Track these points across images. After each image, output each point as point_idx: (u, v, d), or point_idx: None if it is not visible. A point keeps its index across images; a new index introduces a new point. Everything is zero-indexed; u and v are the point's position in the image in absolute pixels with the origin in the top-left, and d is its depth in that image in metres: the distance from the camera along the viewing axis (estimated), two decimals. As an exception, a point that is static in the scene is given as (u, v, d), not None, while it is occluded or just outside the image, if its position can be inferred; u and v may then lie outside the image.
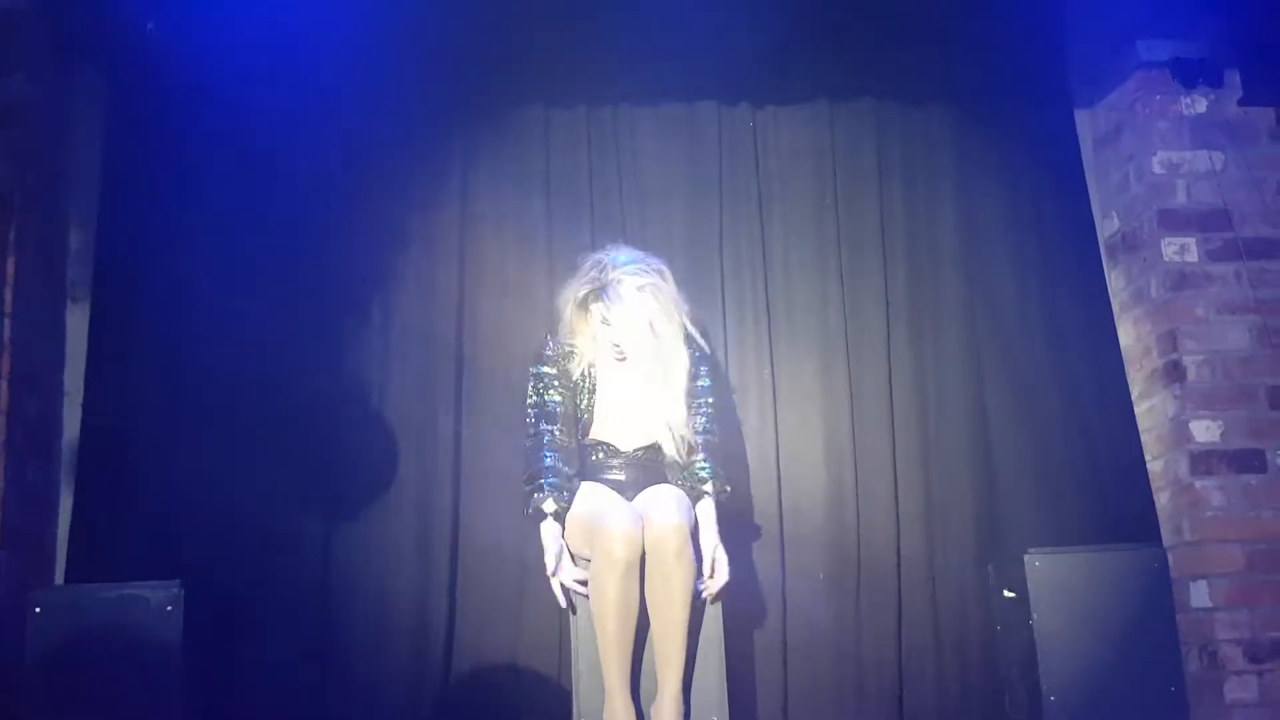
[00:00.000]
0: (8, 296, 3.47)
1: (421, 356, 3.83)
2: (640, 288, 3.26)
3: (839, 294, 3.97)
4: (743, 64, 3.97)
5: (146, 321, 3.72)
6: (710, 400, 3.35)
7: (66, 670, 3.15)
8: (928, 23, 3.97)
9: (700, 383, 3.36)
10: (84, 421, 3.67)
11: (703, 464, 3.26)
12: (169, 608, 3.20)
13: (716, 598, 3.14)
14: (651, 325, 3.28)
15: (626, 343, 3.28)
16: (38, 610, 3.19)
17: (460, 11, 3.75)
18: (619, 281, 3.25)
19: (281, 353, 3.73)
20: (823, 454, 3.85)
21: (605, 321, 3.28)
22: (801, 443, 3.86)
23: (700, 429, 3.30)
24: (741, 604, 3.57)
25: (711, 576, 3.13)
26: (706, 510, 3.21)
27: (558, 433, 3.28)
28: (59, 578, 3.58)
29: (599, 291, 3.26)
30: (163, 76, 3.78)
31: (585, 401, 3.36)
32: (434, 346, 3.83)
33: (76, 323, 3.78)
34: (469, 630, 3.65)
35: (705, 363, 3.42)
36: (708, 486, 3.23)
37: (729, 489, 3.29)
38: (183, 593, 3.22)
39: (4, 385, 3.42)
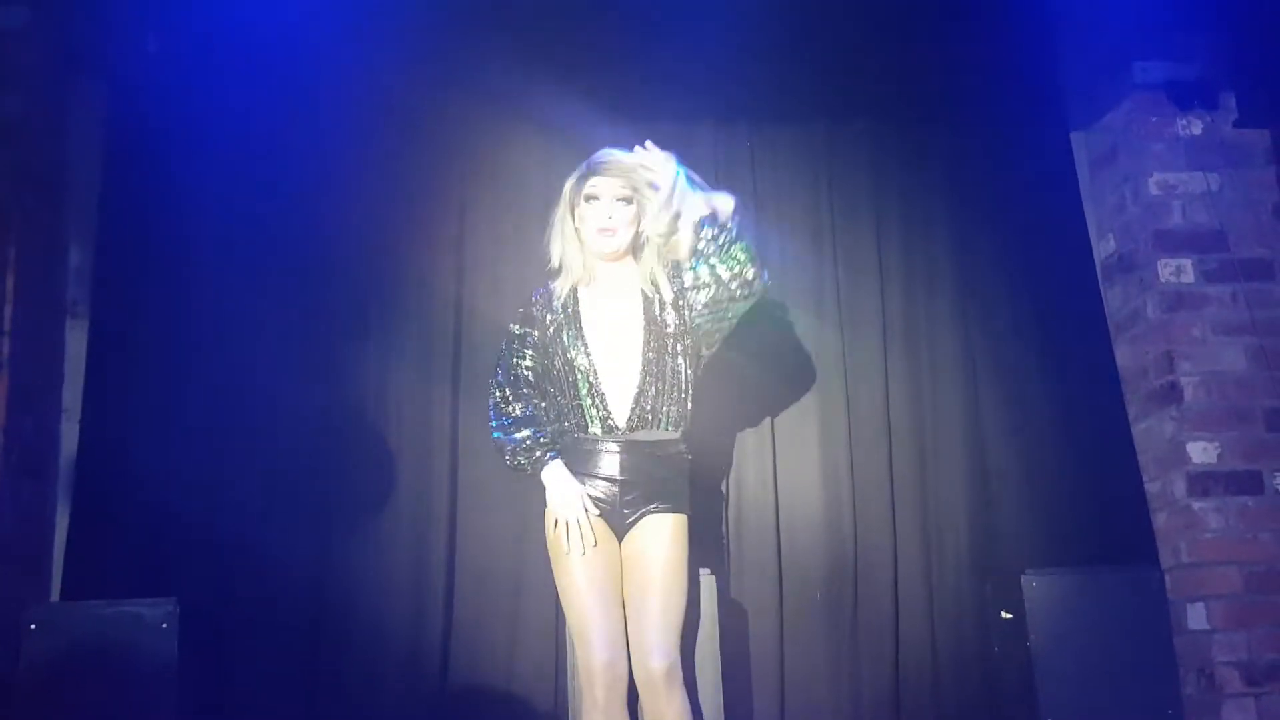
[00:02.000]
0: (6, 314, 3.48)
1: (419, 374, 3.83)
2: (631, 165, 2.94)
3: (835, 314, 3.97)
4: (740, 85, 3.98)
5: (145, 339, 3.73)
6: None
7: (62, 687, 3.15)
8: (924, 45, 3.99)
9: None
10: (81, 438, 3.67)
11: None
12: (164, 625, 3.21)
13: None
14: (643, 187, 2.92)
15: (615, 214, 2.94)
16: (33, 627, 3.19)
17: (461, 30, 3.77)
18: (605, 162, 2.97)
19: (279, 370, 3.74)
20: (819, 474, 3.85)
21: (590, 198, 2.96)
22: (798, 463, 3.85)
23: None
24: (738, 624, 3.58)
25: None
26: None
27: (534, 401, 3.00)
28: (55, 594, 3.57)
29: (588, 171, 2.98)
30: (162, 94, 3.81)
31: (567, 342, 2.96)
32: (431, 364, 3.83)
33: (75, 340, 3.79)
34: (464, 649, 3.65)
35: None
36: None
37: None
38: (178, 610, 3.23)
39: (1, 402, 3.43)
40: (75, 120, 3.91)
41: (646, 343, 2.94)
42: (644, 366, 2.92)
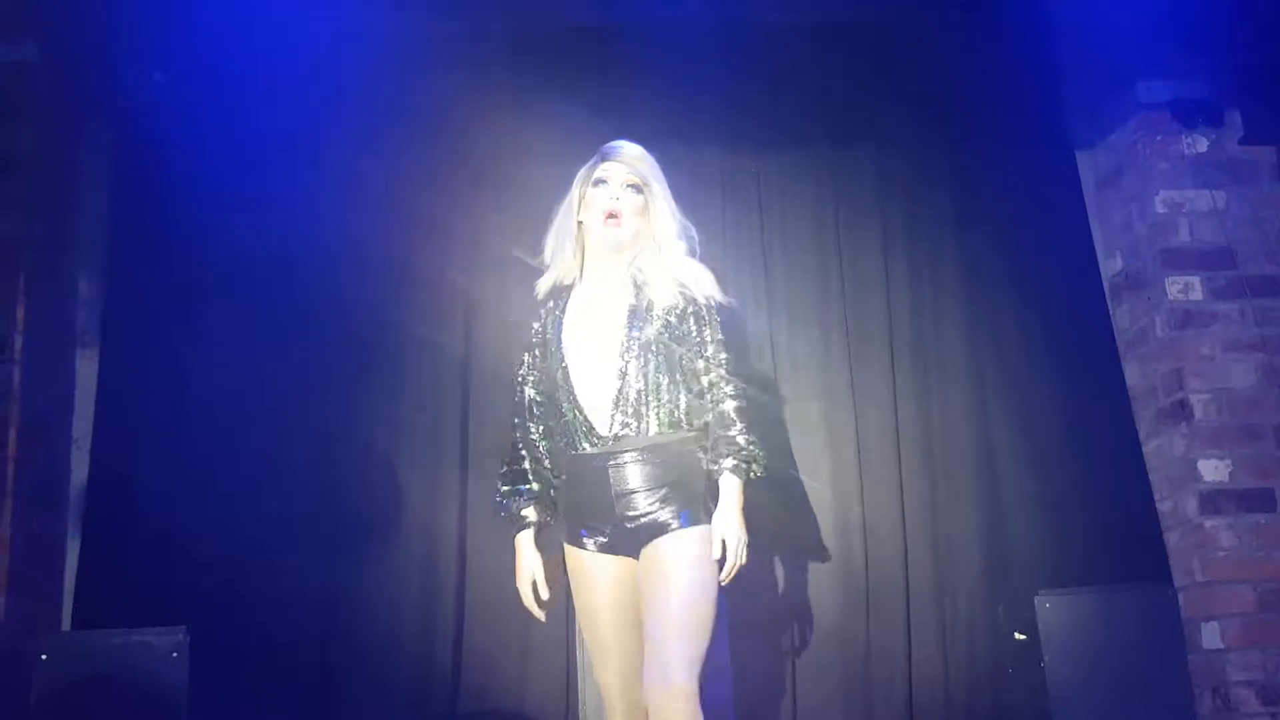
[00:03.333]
0: (17, 344, 3.51)
1: (427, 402, 3.83)
2: (643, 156, 2.89)
3: (843, 337, 3.97)
4: (745, 109, 4.00)
5: (155, 369, 3.75)
6: (724, 357, 2.80)
7: (72, 717, 3.16)
8: (929, 67, 4.02)
9: (701, 330, 2.80)
10: (92, 468, 3.69)
11: (742, 436, 2.72)
12: (174, 654, 3.22)
13: (727, 578, 2.68)
14: (653, 182, 2.86)
15: (623, 198, 2.83)
16: (44, 657, 3.20)
17: (471, 57, 3.81)
18: (618, 148, 2.90)
19: (288, 399, 3.75)
20: (830, 496, 3.84)
21: (599, 182, 2.85)
22: (807, 484, 3.84)
23: (732, 393, 2.76)
24: (748, 645, 3.56)
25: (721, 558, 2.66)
26: (729, 485, 2.70)
27: (536, 432, 2.89)
28: (66, 624, 3.58)
29: (597, 156, 2.90)
30: (170, 125, 3.83)
31: (551, 351, 2.83)
32: (440, 393, 3.84)
33: (86, 370, 3.80)
34: (475, 675, 3.64)
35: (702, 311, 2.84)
36: (728, 463, 2.70)
37: (758, 469, 2.74)
38: (188, 639, 3.23)
39: (13, 432, 3.45)
40: (84, 152, 3.95)
41: (627, 340, 2.75)
42: (623, 367, 2.74)
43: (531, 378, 2.91)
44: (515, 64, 3.94)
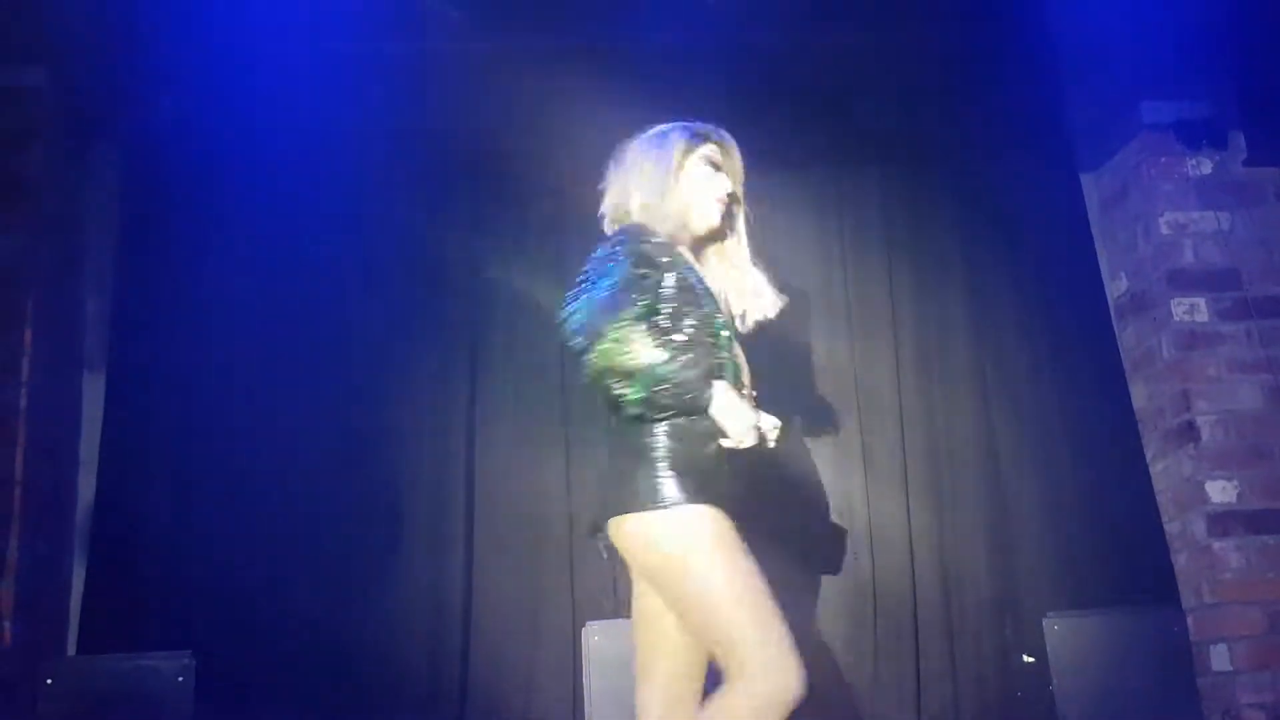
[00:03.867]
0: (24, 367, 3.50)
1: (434, 427, 3.83)
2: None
3: (849, 358, 3.97)
4: (748, 130, 4.00)
5: (161, 392, 3.75)
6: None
7: (78, 742, 3.14)
8: (934, 88, 4.02)
9: None
10: (98, 492, 3.68)
11: None
12: (180, 678, 3.20)
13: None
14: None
15: (735, 194, 2.67)
16: (49, 681, 3.18)
17: (476, 76, 3.82)
18: (729, 139, 2.71)
19: (295, 423, 3.74)
20: (836, 520, 3.83)
21: (712, 164, 2.66)
22: (813, 509, 3.84)
23: None
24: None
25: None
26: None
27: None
28: (71, 648, 3.56)
29: (707, 134, 2.68)
30: (176, 150, 3.85)
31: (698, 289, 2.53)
32: (447, 415, 3.84)
33: (92, 393, 3.80)
34: (481, 698, 3.62)
35: None
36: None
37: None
38: (194, 663, 3.22)
39: (19, 455, 3.45)
40: (91, 176, 3.96)
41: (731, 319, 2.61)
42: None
43: (689, 314, 2.49)
44: (512, 83, 3.95)
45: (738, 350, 2.59)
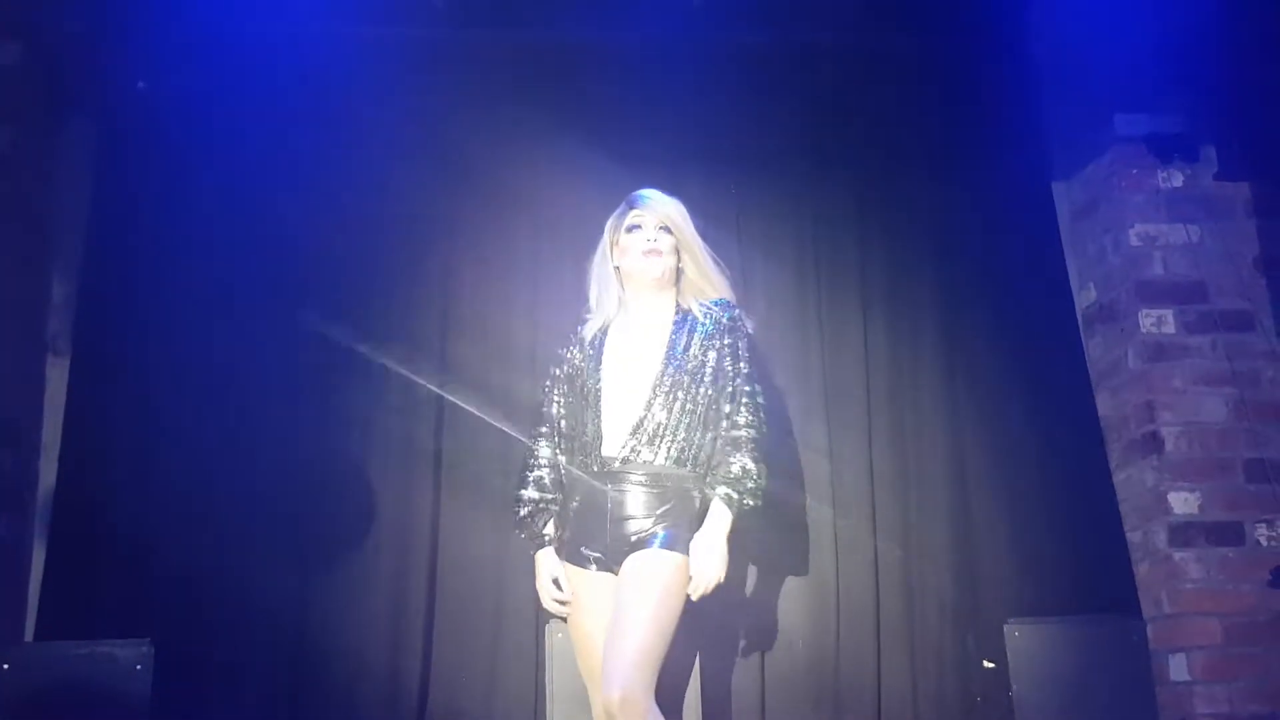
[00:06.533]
0: (-14, 348, 3.46)
1: (401, 417, 3.81)
2: (669, 200, 3.12)
3: (820, 365, 3.97)
4: (723, 132, 4.01)
5: (126, 378, 3.71)
6: (749, 389, 3.00)
7: (33, 728, 3.10)
8: (907, 98, 4.05)
9: (735, 364, 3.01)
10: (60, 476, 3.64)
11: (739, 465, 2.89)
12: (138, 666, 3.17)
13: (696, 594, 2.83)
14: (682, 225, 3.09)
15: (658, 239, 3.04)
16: (5, 667, 3.15)
17: (458, 80, 3.81)
18: (646, 196, 3.13)
19: (259, 411, 3.72)
20: (802, 522, 3.82)
21: (633, 228, 3.07)
22: (780, 511, 3.84)
23: (743, 424, 2.95)
24: (719, 673, 3.55)
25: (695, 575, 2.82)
26: (717, 509, 2.88)
27: (557, 448, 3.06)
28: (29, 634, 3.53)
29: (625, 205, 3.13)
30: (150, 132, 3.82)
31: (588, 372, 3.02)
32: (414, 406, 3.81)
33: (55, 377, 3.76)
34: (443, 692, 3.60)
35: (741, 337, 3.07)
36: (721, 490, 2.88)
37: (750, 500, 2.92)
38: (152, 651, 3.19)
39: (-21, 439, 3.41)
40: (63, 156, 3.91)
41: (663, 370, 2.95)
42: (651, 395, 2.93)
43: (559, 397, 3.08)
44: (493, 80, 3.94)
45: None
